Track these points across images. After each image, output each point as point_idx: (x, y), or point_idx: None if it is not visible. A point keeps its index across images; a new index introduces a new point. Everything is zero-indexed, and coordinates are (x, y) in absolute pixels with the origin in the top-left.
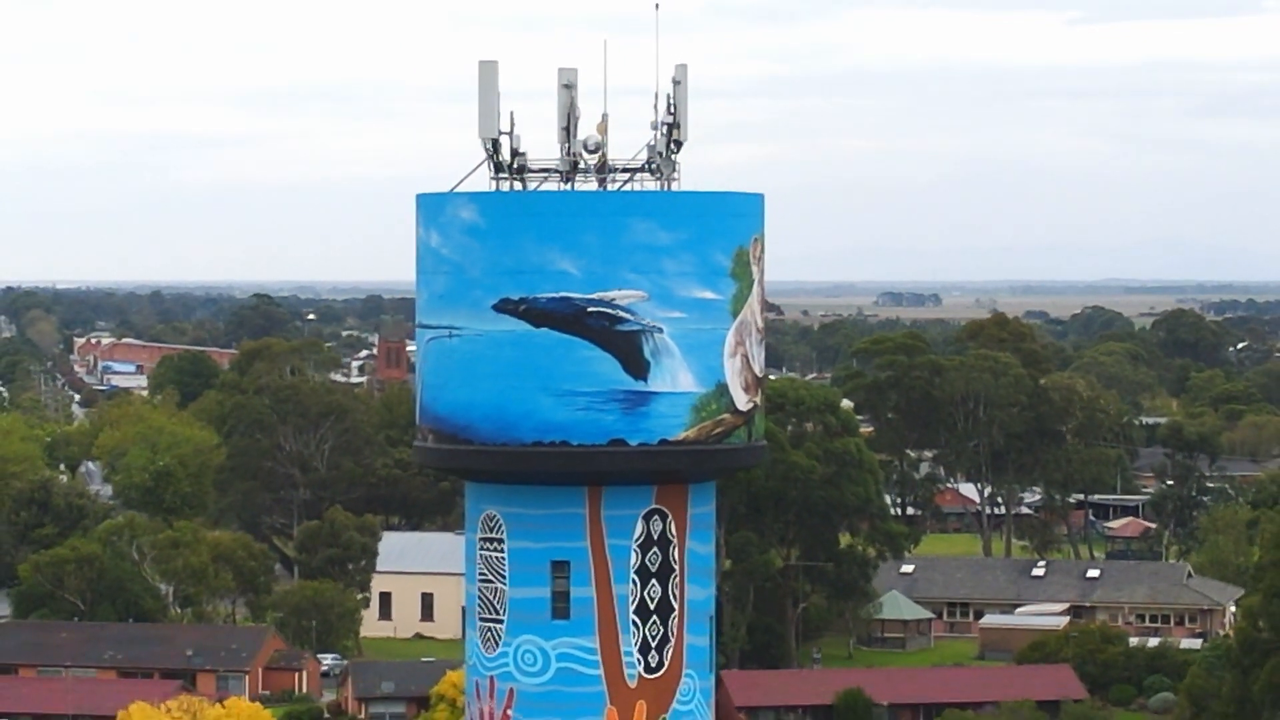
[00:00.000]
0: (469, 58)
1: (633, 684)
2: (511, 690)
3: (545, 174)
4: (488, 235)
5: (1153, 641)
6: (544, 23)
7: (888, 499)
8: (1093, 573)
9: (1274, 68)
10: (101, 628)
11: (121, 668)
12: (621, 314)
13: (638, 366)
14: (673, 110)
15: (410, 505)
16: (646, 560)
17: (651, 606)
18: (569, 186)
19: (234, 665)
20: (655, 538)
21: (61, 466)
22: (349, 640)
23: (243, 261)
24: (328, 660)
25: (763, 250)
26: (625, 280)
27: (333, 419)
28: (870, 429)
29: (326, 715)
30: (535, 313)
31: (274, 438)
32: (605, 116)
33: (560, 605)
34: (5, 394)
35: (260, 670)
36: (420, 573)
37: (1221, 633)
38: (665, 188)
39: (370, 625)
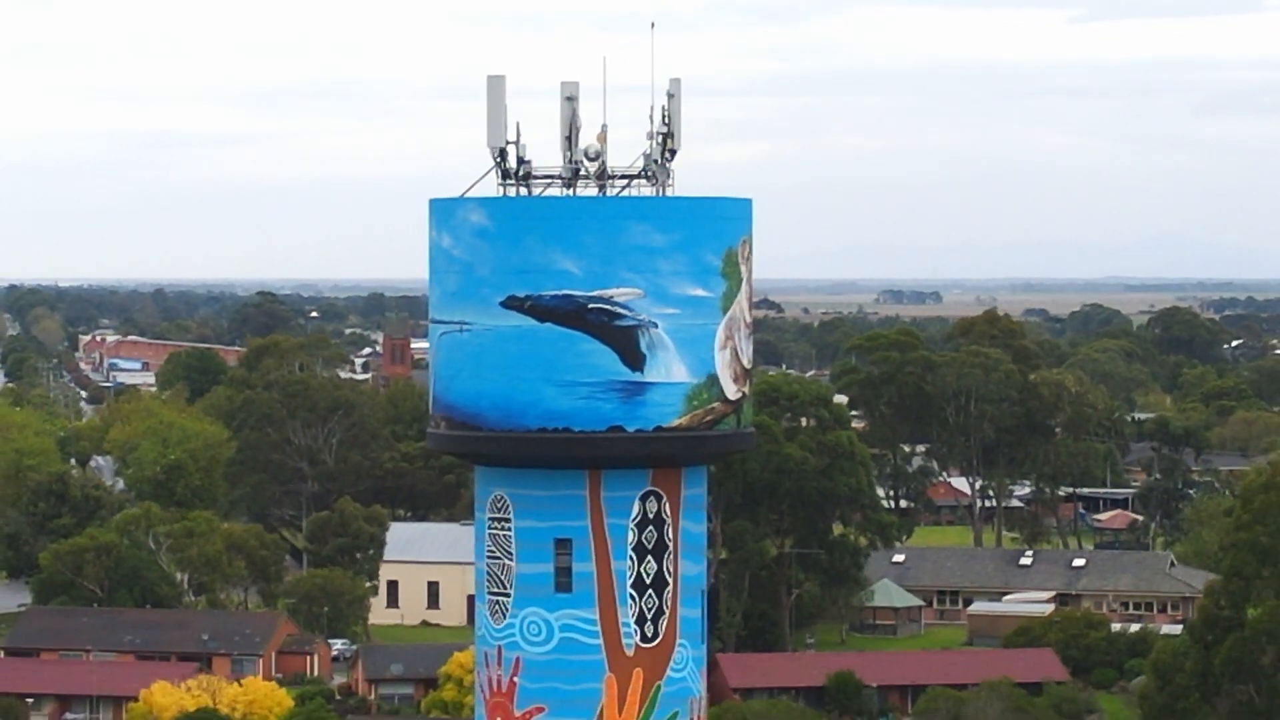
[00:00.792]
0: (469, 56)
1: (630, 653)
2: (518, 659)
3: (549, 180)
4: (496, 237)
5: (1134, 627)
6: (545, 21)
7: (882, 492)
8: (1078, 562)
9: (1275, 65)
10: (120, 613)
11: (140, 651)
12: (619, 310)
13: (634, 359)
14: (667, 121)
15: (416, 497)
16: (643, 538)
17: (647, 581)
18: (571, 192)
19: (248, 649)
20: (651, 517)
21: (73, 461)
22: (357, 626)
23: (244, 259)
24: (338, 645)
25: (750, 251)
26: (623, 279)
27: (340, 414)
28: (865, 423)
29: (338, 696)
30: (540, 309)
31: (283, 432)
32: (604, 127)
33: (563, 580)
34: (15, 389)
35: (273, 654)
36: (426, 562)
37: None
38: (660, 193)
39: (378, 613)
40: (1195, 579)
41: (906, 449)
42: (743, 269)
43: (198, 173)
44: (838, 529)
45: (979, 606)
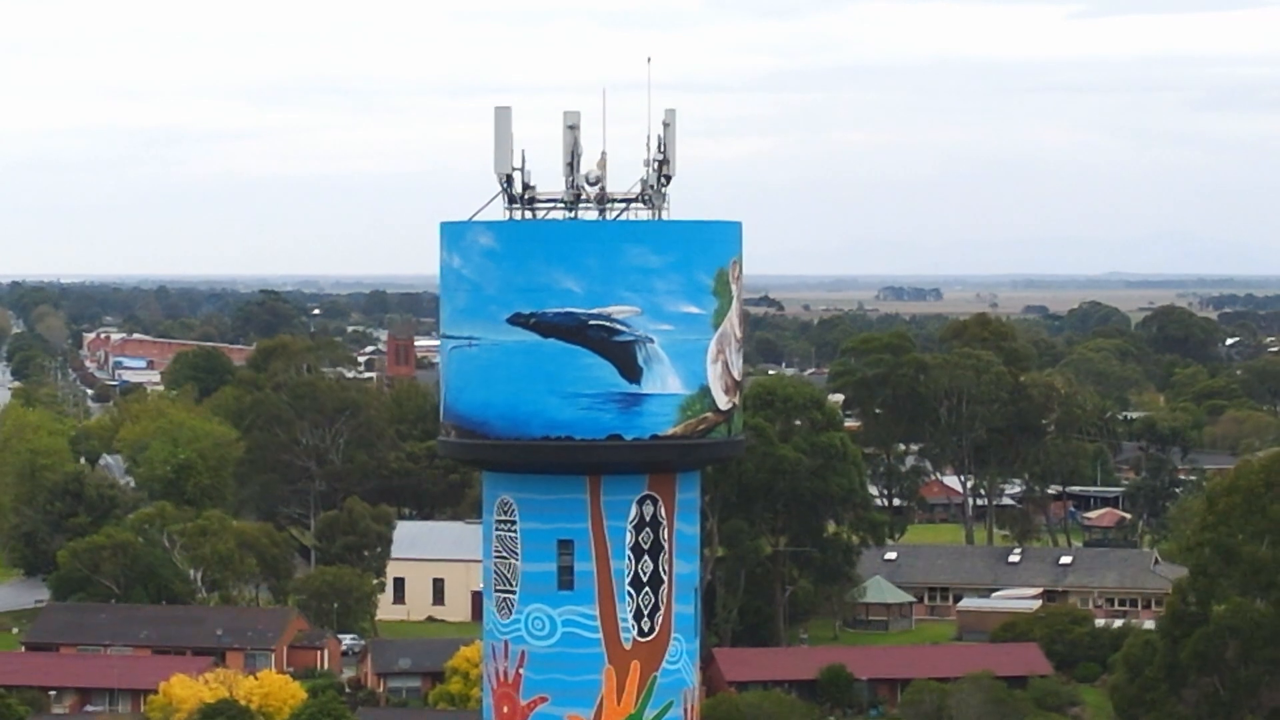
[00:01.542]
0: (470, 54)
1: (628, 646)
2: (523, 652)
3: (552, 204)
4: (503, 258)
5: (1117, 623)
6: (545, 17)
7: (876, 490)
8: (1065, 559)
9: (1275, 61)
10: (137, 609)
11: (156, 646)
12: (618, 326)
13: (632, 372)
14: (662, 149)
15: (421, 496)
16: (640, 539)
17: (644, 579)
18: (573, 215)
19: (261, 644)
20: (647, 520)
21: (83, 459)
22: (366, 622)
23: (246, 255)
24: (347, 640)
25: (740, 271)
26: (621, 297)
27: (347, 414)
28: (860, 423)
29: (348, 690)
30: (543, 325)
31: (291, 432)
32: (604, 154)
33: (565, 578)
34: (25, 388)
35: (285, 649)
36: (432, 559)
37: None
38: (656, 217)
39: (385, 608)
40: (1177, 576)
41: (900, 448)
42: (733, 287)
43: (200, 168)
44: (831, 528)
45: (968, 603)
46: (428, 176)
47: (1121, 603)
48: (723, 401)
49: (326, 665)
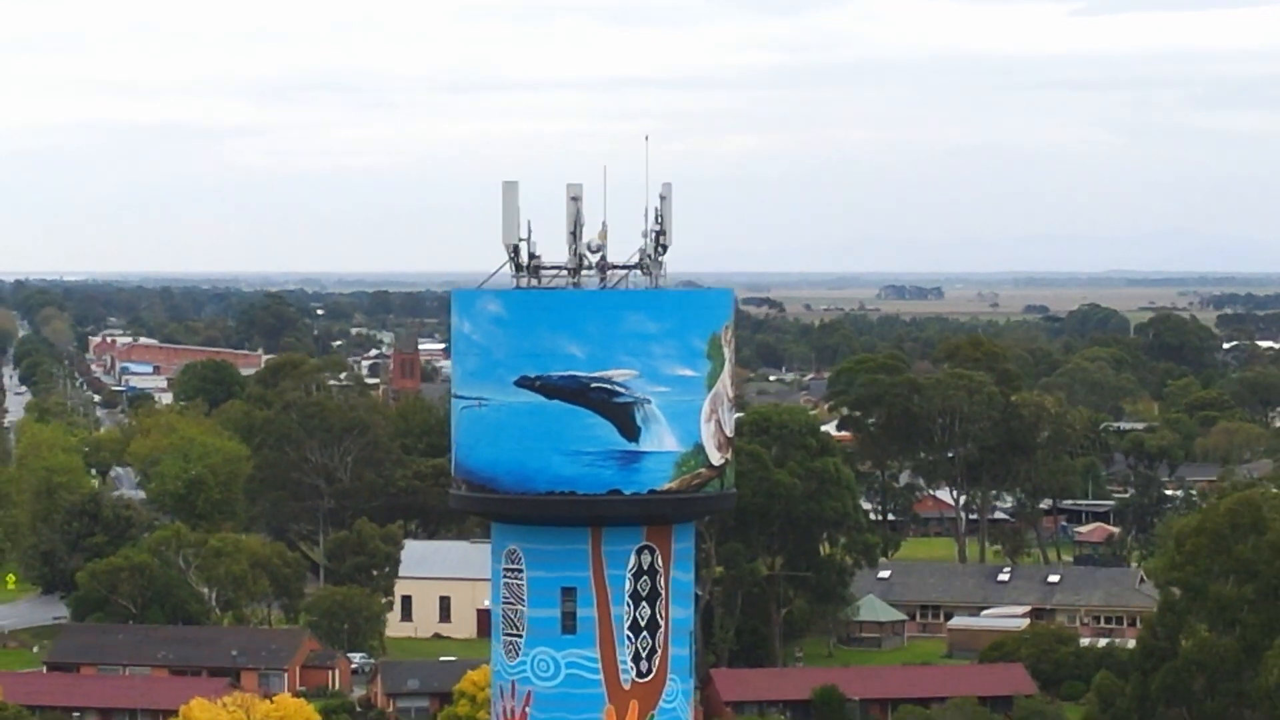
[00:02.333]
0: (470, 53)
1: (627, 687)
2: (529, 692)
3: (556, 271)
4: (510, 325)
5: (1102, 642)
6: (547, 14)
7: (870, 507)
8: (1053, 578)
9: (1277, 57)
10: (154, 629)
11: (173, 666)
12: (618, 389)
13: (631, 431)
14: (659, 221)
15: (427, 513)
16: (638, 586)
17: (642, 624)
18: (576, 281)
19: (274, 664)
20: (645, 568)
21: (93, 471)
22: (374, 640)
23: (248, 252)
24: (357, 659)
25: (732, 335)
26: (621, 361)
27: (355, 433)
28: (854, 439)
29: (358, 709)
30: (548, 387)
31: (300, 451)
32: (604, 225)
33: (569, 623)
34: (36, 400)
35: (298, 668)
36: (439, 578)
37: None
38: (654, 284)
39: (393, 626)
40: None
41: (894, 465)
42: (725, 351)
43: (202, 166)
44: (825, 549)
45: (959, 621)
46: (427, 176)
47: (1108, 620)
48: (715, 458)
49: (337, 684)
